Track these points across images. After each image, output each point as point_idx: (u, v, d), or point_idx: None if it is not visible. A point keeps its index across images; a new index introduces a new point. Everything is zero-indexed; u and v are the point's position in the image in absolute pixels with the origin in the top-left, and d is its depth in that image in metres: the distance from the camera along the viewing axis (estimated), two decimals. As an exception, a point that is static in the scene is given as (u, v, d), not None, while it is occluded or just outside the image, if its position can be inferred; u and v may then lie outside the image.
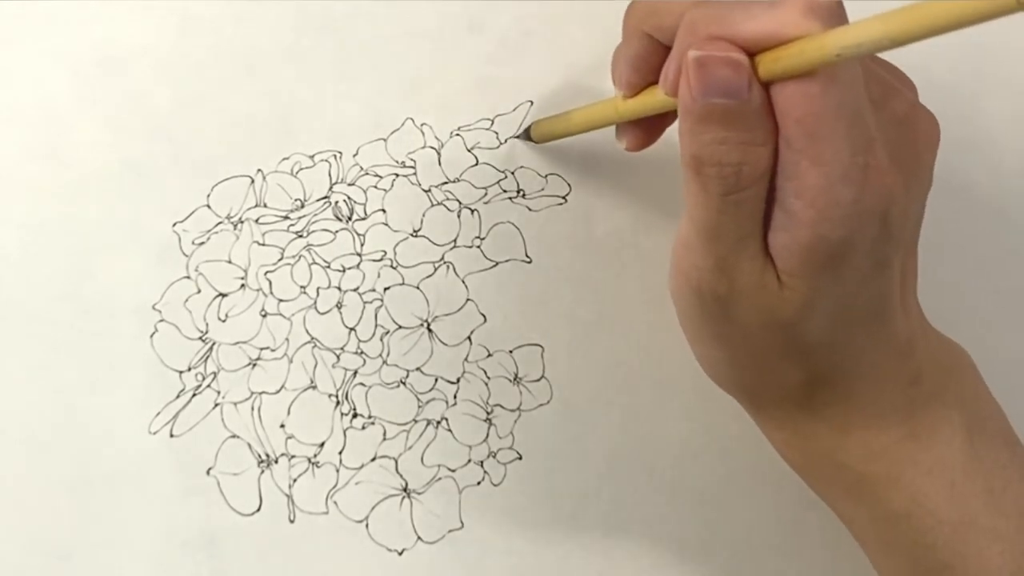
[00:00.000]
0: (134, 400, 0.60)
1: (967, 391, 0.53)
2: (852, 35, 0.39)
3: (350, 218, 0.62)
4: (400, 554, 0.61)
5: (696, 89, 0.43)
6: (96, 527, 0.59)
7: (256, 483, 0.60)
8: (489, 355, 0.63)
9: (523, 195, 0.64)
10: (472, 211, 0.63)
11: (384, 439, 0.61)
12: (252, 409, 0.61)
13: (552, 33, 0.65)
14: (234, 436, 0.60)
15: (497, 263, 0.63)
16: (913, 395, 0.51)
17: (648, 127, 0.56)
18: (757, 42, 0.42)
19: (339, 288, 0.62)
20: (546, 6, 0.65)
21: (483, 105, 0.64)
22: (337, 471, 0.61)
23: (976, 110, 0.68)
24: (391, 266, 0.62)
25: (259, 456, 0.60)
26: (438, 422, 0.62)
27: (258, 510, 0.60)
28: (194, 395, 0.60)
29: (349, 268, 0.62)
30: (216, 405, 0.61)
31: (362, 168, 0.63)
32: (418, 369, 0.62)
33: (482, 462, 0.62)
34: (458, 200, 0.63)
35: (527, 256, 0.63)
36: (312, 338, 0.62)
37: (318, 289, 0.62)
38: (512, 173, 0.64)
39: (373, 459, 0.61)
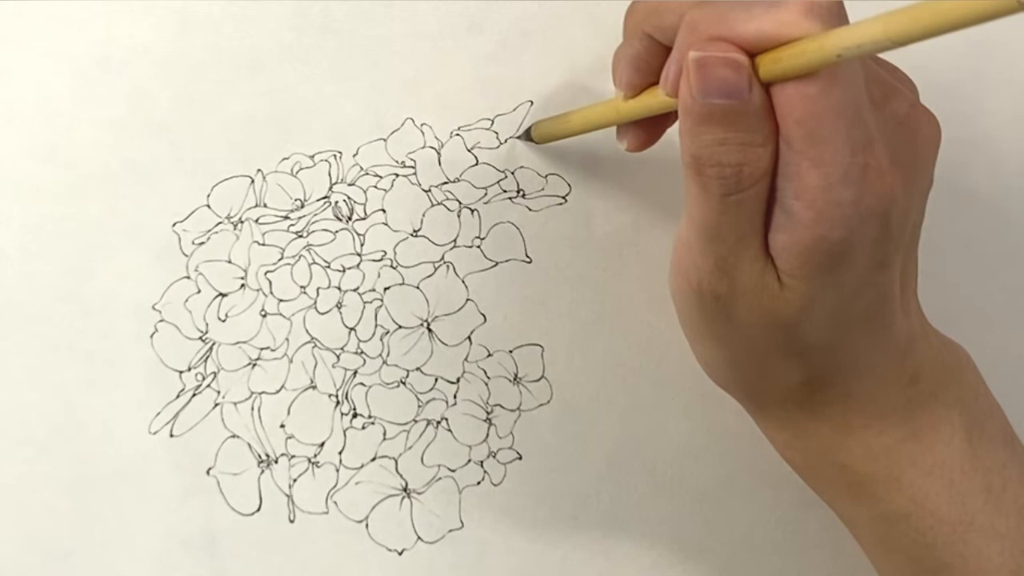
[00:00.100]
0: (134, 400, 0.60)
1: (967, 391, 0.53)
2: (853, 36, 0.39)
3: (350, 218, 0.62)
4: (400, 554, 0.61)
5: (696, 89, 0.43)
6: (96, 527, 0.59)
7: (256, 483, 0.60)
8: (489, 355, 0.63)
9: (523, 195, 0.64)
10: (472, 211, 0.63)
11: (384, 439, 0.61)
12: (252, 409, 0.61)
13: (552, 33, 0.65)
14: (234, 436, 0.60)
15: (497, 263, 0.63)
16: (913, 395, 0.51)
17: (649, 128, 0.56)
18: (758, 42, 0.42)
19: (339, 288, 0.62)
20: (546, 6, 0.65)
21: (483, 105, 0.64)
22: (337, 471, 0.61)
23: (977, 110, 0.68)
24: (391, 266, 0.62)
25: (259, 456, 0.60)
26: (438, 422, 0.62)
27: (258, 510, 0.60)
28: (194, 395, 0.61)
29: (349, 268, 0.62)
30: (216, 405, 0.61)
31: (362, 168, 0.63)
32: (418, 369, 0.62)
33: (482, 462, 0.62)
34: (458, 200, 0.63)
35: (527, 256, 0.63)
36: (312, 338, 0.62)
37: (318, 289, 0.62)
38: (512, 173, 0.64)
39: (373, 459, 0.61)
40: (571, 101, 0.64)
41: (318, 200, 0.63)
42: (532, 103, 0.64)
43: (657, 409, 0.64)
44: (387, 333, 0.62)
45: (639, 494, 0.63)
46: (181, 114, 0.62)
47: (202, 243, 0.61)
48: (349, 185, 0.63)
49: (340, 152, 0.63)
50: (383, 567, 0.61)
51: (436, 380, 0.62)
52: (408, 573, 0.61)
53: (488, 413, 0.62)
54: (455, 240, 0.63)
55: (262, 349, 0.61)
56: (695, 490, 0.64)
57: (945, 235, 0.66)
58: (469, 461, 0.62)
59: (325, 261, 0.62)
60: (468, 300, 0.63)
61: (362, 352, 0.62)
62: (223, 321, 0.61)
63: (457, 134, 0.64)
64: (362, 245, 0.62)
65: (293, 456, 0.61)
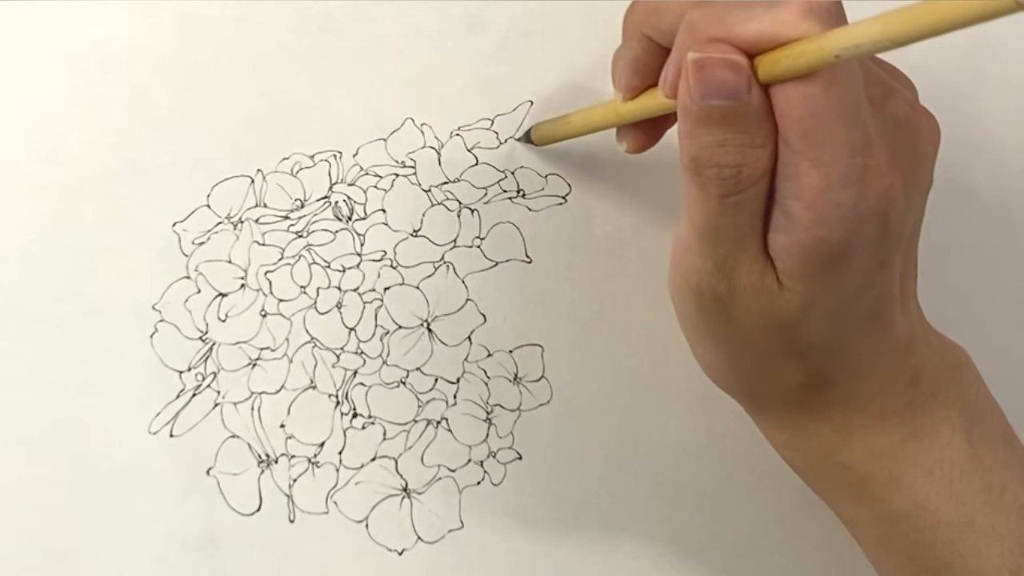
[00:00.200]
0: (134, 400, 0.60)
1: (967, 391, 0.53)
2: (851, 36, 0.39)
3: (350, 218, 0.62)
4: (400, 554, 0.61)
5: (695, 91, 0.43)
6: (96, 527, 0.59)
7: (256, 483, 0.60)
8: (489, 355, 0.63)
9: (523, 195, 0.64)
10: (472, 211, 0.63)
11: (384, 439, 0.61)
12: (252, 409, 0.61)
13: (552, 33, 0.65)
14: (234, 436, 0.61)
15: (497, 263, 0.63)
16: (913, 395, 0.51)
17: (648, 129, 0.56)
18: (756, 43, 0.42)
19: (339, 288, 0.62)
20: (546, 6, 0.65)
21: (483, 105, 0.64)
22: (337, 471, 0.61)
23: (977, 111, 0.68)
24: (391, 266, 0.62)
25: (259, 456, 0.61)
26: (438, 422, 0.62)
27: (258, 510, 0.60)
28: (194, 395, 0.61)
29: (349, 268, 0.62)
30: (216, 405, 0.61)
31: (362, 168, 0.63)
32: (418, 369, 0.62)
33: (482, 462, 0.62)
34: (458, 200, 0.63)
35: (527, 256, 0.63)
36: (312, 338, 0.62)
37: (318, 289, 0.62)
38: (512, 173, 0.64)
39: (373, 459, 0.61)
40: (571, 101, 0.64)
41: (318, 200, 0.63)
42: (532, 103, 0.64)
43: (657, 409, 0.64)
44: (387, 333, 0.62)
45: (639, 494, 0.63)
46: (181, 114, 0.62)
47: (202, 243, 0.61)
48: (349, 185, 0.63)
49: (340, 152, 0.63)
50: (383, 567, 0.61)
51: (436, 380, 0.62)
52: (408, 573, 0.61)
53: (488, 413, 0.62)
54: (455, 240, 0.63)
55: (262, 349, 0.61)
56: (695, 490, 0.64)
57: (945, 235, 0.66)
58: (469, 461, 0.62)
59: (325, 261, 0.62)
60: (468, 300, 0.63)
61: (362, 352, 0.62)
62: (223, 321, 0.61)
63: (457, 134, 0.64)
64: (362, 245, 0.62)
65: (293, 456, 0.61)
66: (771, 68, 0.42)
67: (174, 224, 0.61)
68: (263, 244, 0.62)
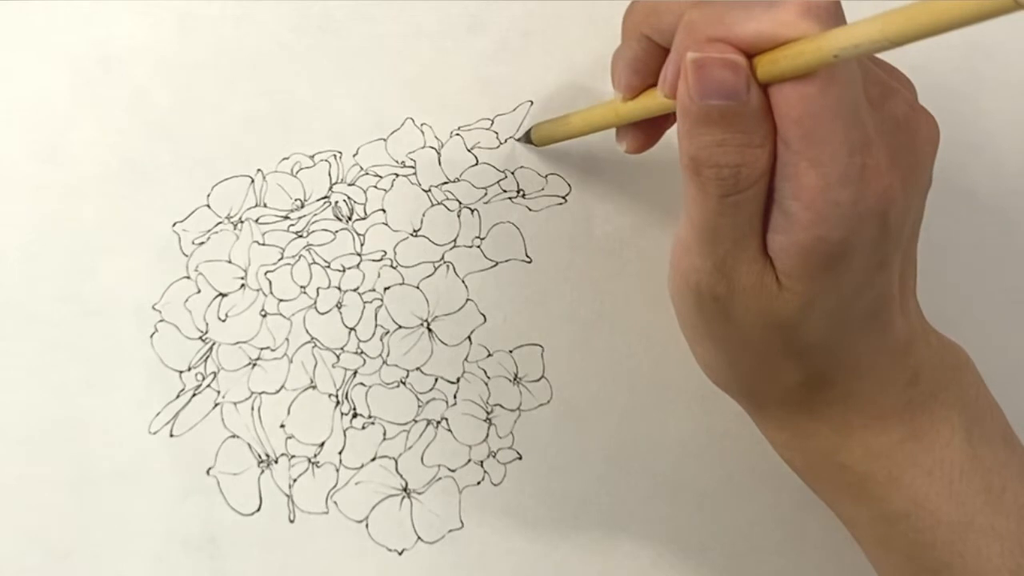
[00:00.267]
0: (134, 400, 0.60)
1: (967, 391, 0.53)
2: (850, 36, 0.39)
3: (350, 218, 0.62)
4: (400, 554, 0.61)
5: (694, 91, 0.43)
6: (96, 527, 0.59)
7: (256, 483, 0.60)
8: (489, 355, 0.63)
9: (523, 195, 0.64)
10: (472, 211, 0.63)
11: (384, 439, 0.61)
12: (252, 409, 0.61)
13: (552, 33, 0.65)
14: (234, 436, 0.61)
15: (497, 263, 0.63)
16: (913, 395, 0.51)
17: (648, 129, 0.56)
18: (755, 43, 0.42)
19: (339, 288, 0.62)
20: (546, 6, 0.65)
21: (483, 105, 0.64)
22: (337, 471, 0.61)
23: (977, 111, 0.68)
24: (391, 266, 0.62)
25: (259, 456, 0.61)
26: (438, 422, 0.62)
27: (258, 510, 0.60)
28: (194, 395, 0.61)
29: (349, 268, 0.62)
30: (216, 405, 0.61)
31: (362, 168, 0.63)
32: (418, 369, 0.62)
33: (482, 462, 0.62)
34: (458, 200, 0.63)
35: (527, 256, 0.63)
36: (312, 338, 0.62)
37: (318, 289, 0.62)
38: (512, 173, 0.64)
39: (373, 459, 0.61)
40: (571, 101, 0.64)
41: (318, 200, 0.63)
42: (532, 103, 0.64)
43: (657, 409, 0.64)
44: (387, 333, 0.62)
45: (639, 494, 0.63)
46: (181, 114, 0.62)
47: (202, 243, 0.61)
48: (349, 185, 0.63)
49: (340, 152, 0.63)
50: (383, 567, 0.61)
51: (436, 380, 0.62)
52: (408, 573, 0.61)
53: (488, 413, 0.62)
54: (455, 240, 0.63)
55: (262, 349, 0.61)
56: (695, 490, 0.64)
57: (945, 235, 0.66)
58: (469, 461, 0.62)
59: (325, 261, 0.62)
60: (468, 300, 0.63)
61: (362, 352, 0.62)
62: (223, 321, 0.61)
63: (457, 134, 0.64)
64: (362, 245, 0.62)
65: (293, 456, 0.61)
66: (770, 68, 0.42)
67: (174, 224, 0.61)
68: (263, 244, 0.62)
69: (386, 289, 0.62)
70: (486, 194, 0.63)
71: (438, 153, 0.64)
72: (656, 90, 0.49)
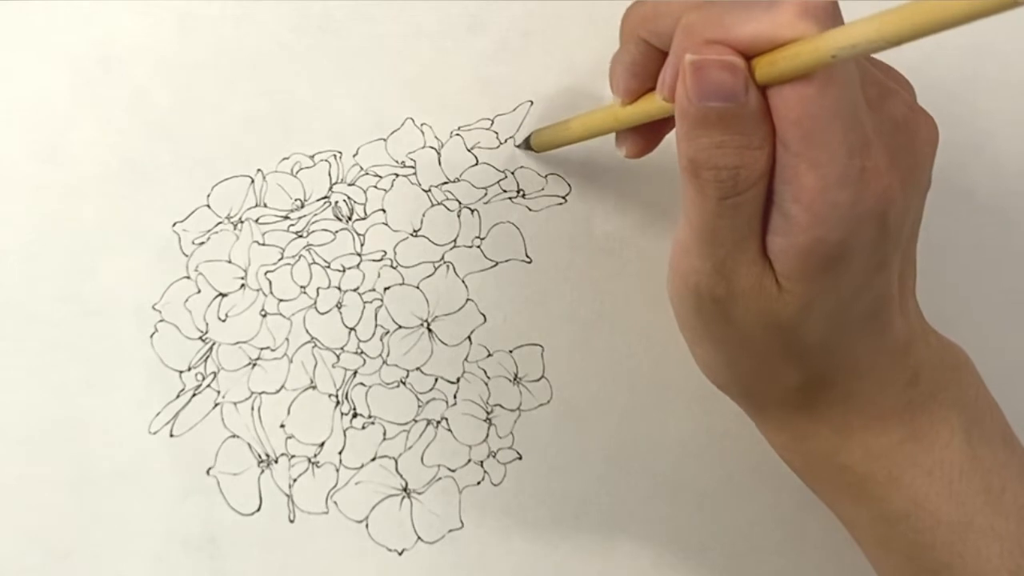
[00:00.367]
0: (134, 400, 0.60)
1: (966, 391, 0.53)
2: (847, 36, 0.39)
3: (350, 218, 0.62)
4: (400, 554, 0.61)
5: (693, 92, 0.43)
6: (96, 527, 0.59)
7: (256, 483, 0.60)
8: (489, 355, 0.63)
9: (523, 195, 0.64)
10: (472, 211, 0.63)
11: (384, 439, 0.61)
12: (252, 409, 0.61)
13: (552, 33, 0.65)
14: (234, 436, 0.61)
15: (497, 263, 0.63)
16: (912, 395, 0.51)
17: (647, 134, 0.56)
18: (753, 45, 0.42)
19: (339, 288, 0.62)
20: (546, 6, 0.65)
21: (483, 105, 0.64)
22: (337, 471, 0.61)
23: (976, 111, 0.68)
24: (391, 266, 0.62)
25: (259, 456, 0.61)
26: (438, 422, 0.62)
27: (258, 510, 0.60)
28: (194, 395, 0.61)
29: (349, 268, 0.62)
30: (216, 405, 0.61)
31: (362, 168, 0.63)
32: (418, 369, 0.62)
33: (482, 462, 0.62)
34: (458, 200, 0.63)
35: (527, 256, 0.63)
36: (312, 338, 0.62)
37: (318, 289, 0.62)
38: (512, 173, 0.64)
39: (373, 459, 0.61)
40: (571, 101, 0.64)
41: (318, 200, 0.63)
42: (532, 103, 0.64)
43: (657, 409, 0.64)
44: (387, 333, 0.62)
45: (639, 494, 0.63)
46: (181, 114, 0.62)
47: (202, 243, 0.61)
48: (349, 185, 0.63)
49: (340, 152, 0.63)
50: (383, 567, 0.61)
51: (436, 380, 0.62)
52: (408, 573, 0.61)
53: (488, 413, 0.62)
54: (455, 240, 0.63)
55: (262, 349, 0.61)
56: (695, 490, 0.64)
57: (944, 236, 0.66)
58: (469, 461, 0.62)
59: (325, 261, 0.62)
60: (468, 300, 0.63)
61: (362, 352, 0.62)
62: (223, 321, 0.61)
63: (457, 134, 0.64)
64: (362, 245, 0.62)
65: (293, 456, 0.61)
66: (768, 70, 0.42)
67: (174, 224, 0.61)
68: (263, 244, 0.62)
69: (386, 289, 0.62)
70: (486, 194, 0.63)
71: (438, 153, 0.64)
72: (655, 94, 0.49)
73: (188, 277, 0.61)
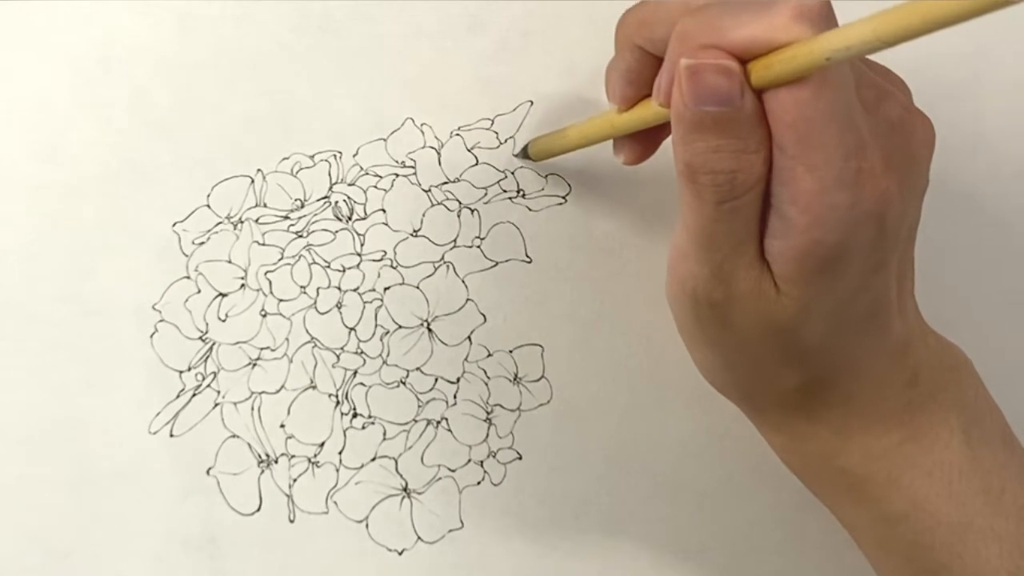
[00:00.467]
0: (134, 400, 0.60)
1: (965, 392, 0.53)
2: (841, 38, 0.39)
3: (350, 218, 0.62)
4: (400, 554, 0.61)
5: (688, 97, 0.43)
6: (96, 527, 0.59)
7: (256, 483, 0.60)
8: (489, 355, 0.63)
9: (523, 195, 0.64)
10: (472, 211, 0.63)
11: (384, 439, 0.61)
12: (252, 409, 0.61)
13: (552, 33, 0.65)
14: (234, 436, 0.61)
15: (497, 263, 0.63)
16: (911, 396, 0.51)
17: (645, 140, 0.56)
18: (748, 49, 0.42)
19: (339, 288, 0.62)
20: (546, 6, 0.65)
21: (483, 105, 0.64)
22: (337, 471, 0.61)
23: (976, 111, 0.68)
24: (391, 266, 0.62)
25: (259, 456, 0.61)
26: (438, 422, 0.62)
27: (258, 510, 0.60)
28: (194, 395, 0.61)
29: (349, 268, 0.62)
30: (216, 405, 0.61)
31: (362, 168, 0.63)
32: (418, 369, 0.62)
33: (482, 462, 0.62)
34: (458, 200, 0.63)
35: (527, 256, 0.63)
36: (312, 338, 0.62)
37: (318, 289, 0.62)
38: (512, 173, 0.64)
39: (373, 459, 0.61)
40: (571, 102, 0.64)
41: (318, 200, 0.63)
42: (532, 103, 0.64)
43: (657, 409, 0.64)
44: (387, 333, 0.62)
45: (639, 494, 0.63)
46: (181, 114, 0.62)
47: (202, 243, 0.62)
48: (349, 185, 0.63)
49: (340, 152, 0.63)
50: (383, 567, 0.61)
51: (436, 380, 0.62)
52: (408, 573, 0.61)
53: (488, 413, 0.62)
54: (455, 240, 0.63)
55: (262, 349, 0.61)
56: (695, 490, 0.64)
57: (944, 236, 0.66)
58: (469, 461, 0.62)
59: (325, 261, 0.62)
60: (468, 300, 0.63)
61: (362, 352, 0.62)
62: (223, 321, 0.61)
63: (457, 134, 0.64)
64: (362, 245, 0.62)
65: (293, 456, 0.61)
66: (763, 73, 0.42)
67: (174, 224, 0.62)
68: (263, 244, 0.62)
69: (386, 289, 0.62)
70: (486, 194, 0.63)
71: (438, 153, 0.64)
72: (651, 100, 0.49)
73: (188, 277, 0.61)
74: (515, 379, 0.63)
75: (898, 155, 0.47)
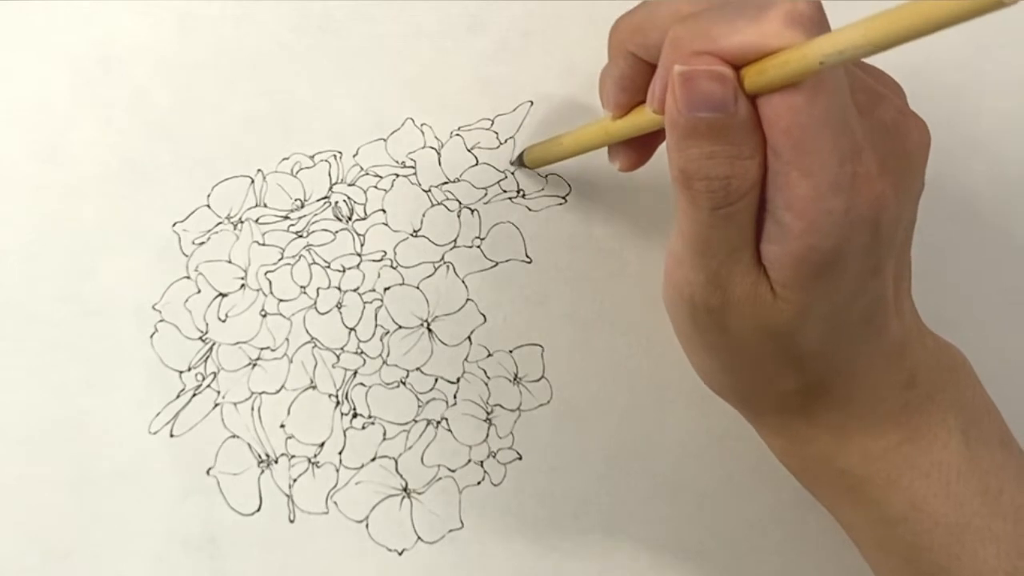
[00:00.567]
0: (134, 400, 0.60)
1: (964, 392, 0.53)
2: (833, 42, 0.39)
3: (350, 218, 0.62)
4: (400, 554, 0.61)
5: (682, 103, 0.43)
6: (96, 527, 0.59)
7: (256, 483, 0.60)
8: (489, 355, 0.63)
9: (523, 195, 0.64)
10: (472, 211, 0.63)
11: (384, 439, 0.61)
12: (252, 409, 0.61)
13: (552, 33, 0.65)
14: (234, 436, 0.61)
15: (497, 263, 0.63)
16: (909, 398, 0.51)
17: (640, 147, 0.56)
18: (742, 55, 0.42)
19: (339, 288, 0.62)
20: (546, 6, 0.65)
21: (483, 105, 0.64)
22: (337, 471, 0.61)
23: (976, 111, 0.67)
24: (391, 266, 0.62)
25: (259, 456, 0.61)
26: (438, 422, 0.62)
27: (258, 510, 0.60)
28: (194, 395, 0.61)
29: (349, 268, 0.62)
30: (216, 405, 0.61)
31: (362, 168, 0.63)
32: (418, 369, 0.62)
33: (482, 462, 0.62)
34: (458, 200, 0.63)
35: (527, 256, 0.63)
36: (312, 338, 0.62)
37: (318, 289, 0.62)
38: (512, 173, 0.64)
39: (373, 459, 0.61)
40: (571, 102, 0.64)
41: (318, 200, 0.63)
42: (532, 103, 0.64)
43: (657, 409, 0.64)
44: (387, 333, 0.62)
45: (639, 494, 0.63)
46: (181, 114, 0.62)
47: (202, 243, 0.62)
48: (349, 185, 0.63)
49: (340, 152, 0.63)
50: (383, 567, 0.61)
51: (436, 380, 0.62)
52: (408, 573, 0.61)
53: (488, 413, 0.62)
54: (455, 240, 0.63)
55: (262, 349, 0.61)
56: (695, 490, 0.63)
57: (943, 237, 0.66)
58: (469, 461, 0.62)
59: (325, 261, 0.62)
60: (468, 300, 0.63)
61: (362, 352, 0.62)
62: (223, 321, 0.61)
63: (457, 134, 0.64)
64: (362, 245, 0.62)
65: (293, 456, 0.61)
66: (757, 79, 0.42)
67: (174, 224, 0.62)
68: (263, 244, 0.62)
69: (386, 289, 0.62)
70: (486, 194, 0.63)
71: (438, 153, 0.64)
72: (645, 107, 0.49)
73: (188, 277, 0.61)
74: (515, 379, 0.63)
75: (893, 158, 0.47)
